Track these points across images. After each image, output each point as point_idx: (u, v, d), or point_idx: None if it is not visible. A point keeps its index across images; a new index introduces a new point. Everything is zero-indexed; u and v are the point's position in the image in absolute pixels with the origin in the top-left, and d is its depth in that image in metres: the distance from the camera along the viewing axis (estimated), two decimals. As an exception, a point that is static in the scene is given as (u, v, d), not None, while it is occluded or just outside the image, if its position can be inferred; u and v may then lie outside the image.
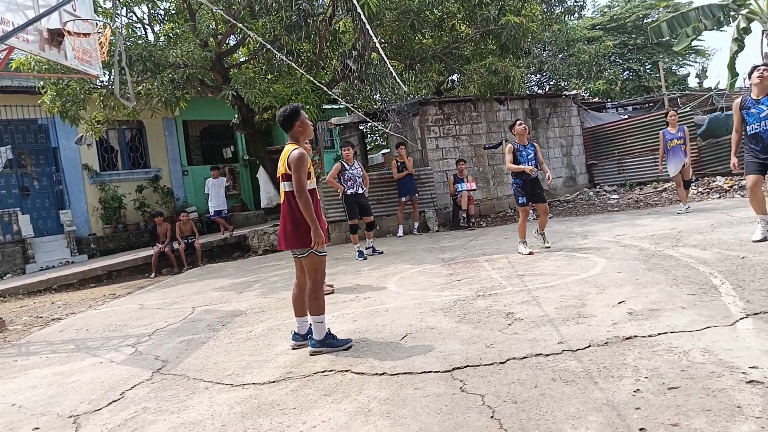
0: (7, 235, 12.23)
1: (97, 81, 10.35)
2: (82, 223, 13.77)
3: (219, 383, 3.60)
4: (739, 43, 14.49)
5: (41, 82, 10.55)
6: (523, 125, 7.22)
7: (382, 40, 12.28)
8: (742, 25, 14.28)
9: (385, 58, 9.07)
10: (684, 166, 9.15)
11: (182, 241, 11.00)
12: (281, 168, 4.01)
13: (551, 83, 18.00)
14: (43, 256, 12.50)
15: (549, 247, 7.14)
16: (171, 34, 11.93)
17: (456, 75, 15.76)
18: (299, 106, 4.09)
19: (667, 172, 9.69)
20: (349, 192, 8.82)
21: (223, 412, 3.08)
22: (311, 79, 9.47)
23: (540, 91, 17.81)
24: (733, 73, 14.87)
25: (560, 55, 16.60)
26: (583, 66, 16.17)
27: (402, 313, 4.74)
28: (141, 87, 10.85)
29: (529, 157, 7.09)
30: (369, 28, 7.71)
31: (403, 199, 11.25)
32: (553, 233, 8.70)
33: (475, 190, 11.72)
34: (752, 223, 7.02)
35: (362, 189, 8.90)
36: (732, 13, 14.17)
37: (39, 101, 10.80)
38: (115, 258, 12.13)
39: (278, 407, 3.05)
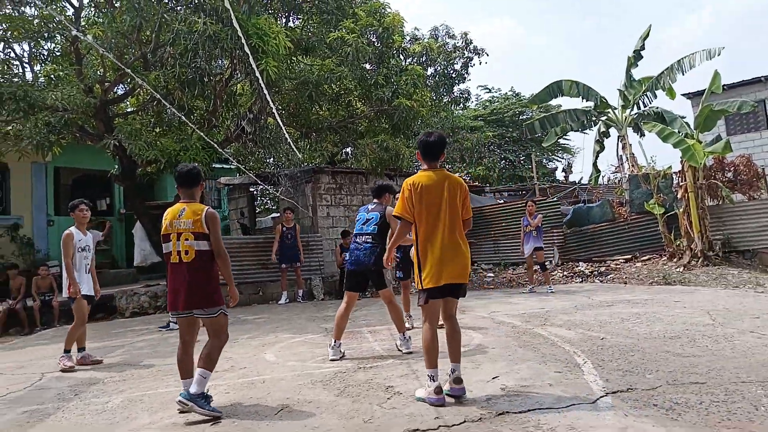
0: None
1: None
2: None
3: (63, 463, 3.17)
4: (600, 144, 16.45)
5: None
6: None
7: (280, 107, 12.45)
8: (602, 129, 16.28)
9: (281, 124, 9.18)
10: (536, 250, 10.23)
11: (38, 298, 9.88)
12: (191, 226, 3.94)
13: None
14: None
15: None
16: (53, 76, 11.21)
17: (350, 147, 16.26)
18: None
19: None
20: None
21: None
22: (203, 135, 9.28)
23: (427, 171, 18.77)
24: (597, 170, 16.73)
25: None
26: (466, 152, 17.42)
27: (279, 384, 4.54)
28: (10, 127, 9.97)
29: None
30: (266, 94, 7.80)
31: (283, 265, 11.04)
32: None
33: (361, 260, 11.83)
34: (610, 306, 7.73)
35: None
36: (594, 119, 16.14)
37: None
38: (-50, 313, 10.54)
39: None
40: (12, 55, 11.00)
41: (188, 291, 3.89)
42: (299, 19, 12.65)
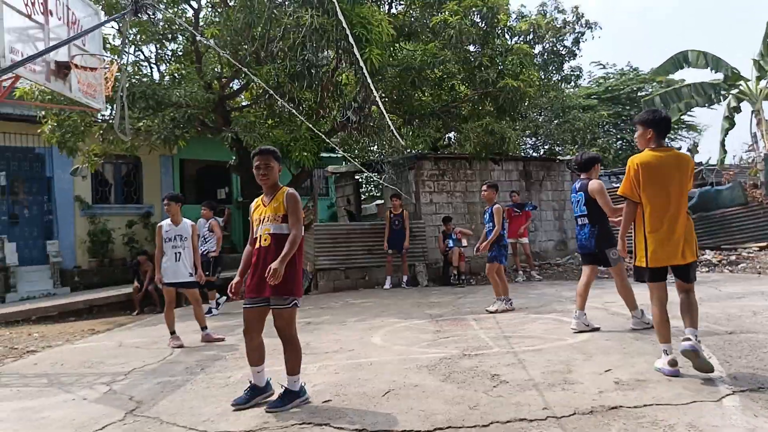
0: (-10, 262, 12.04)
1: (99, 115, 10.47)
2: (68, 255, 13.59)
3: (193, 429, 3.48)
4: (730, 120, 14.95)
5: (42, 112, 10.65)
6: (486, 192, 7.60)
7: (383, 95, 12.58)
8: (733, 104, 14.78)
9: (384, 112, 9.27)
10: None
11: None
12: (276, 209, 3.82)
13: (546, 147, 18.37)
14: (25, 286, 12.26)
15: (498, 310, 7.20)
16: (176, 75, 12.18)
17: (453, 133, 16.10)
18: (259, 150, 3.96)
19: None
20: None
21: (194, 462, 2.95)
22: (311, 126, 9.62)
23: (534, 154, 18.17)
24: (724, 149, 15.28)
25: (555, 121, 17.03)
26: (578, 133, 16.55)
27: (386, 368, 4.64)
28: (141, 123, 10.98)
29: (486, 220, 7.64)
30: (370, 82, 7.91)
31: (390, 251, 11.23)
32: (542, 296, 8.68)
33: (466, 246, 11.74)
34: (741, 298, 7.06)
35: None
36: (723, 92, 14.69)
37: (38, 130, 10.87)
38: (98, 293, 11.92)
39: (252, 460, 2.93)
40: (141, 57, 12.09)
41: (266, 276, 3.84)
42: (402, 4, 12.67)
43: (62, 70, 6.45)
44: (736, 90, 14.52)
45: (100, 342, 7.31)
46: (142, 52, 12.13)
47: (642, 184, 3.94)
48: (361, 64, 7.81)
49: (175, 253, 6.60)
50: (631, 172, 3.98)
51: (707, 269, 10.84)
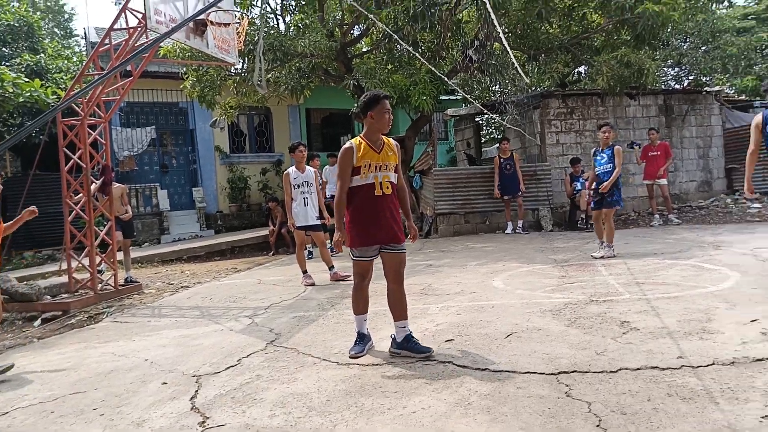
0: (147, 208, 13.62)
1: (232, 69, 11.13)
2: (212, 201, 14.97)
3: (326, 360, 3.77)
4: None
5: (184, 69, 11.54)
6: (607, 133, 7.21)
7: (506, 30, 11.97)
8: None
9: (508, 48, 8.85)
10: None
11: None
12: (392, 158, 3.80)
13: (690, 78, 16.49)
14: (177, 229, 13.77)
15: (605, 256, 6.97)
16: (300, 25, 12.50)
17: (583, 67, 14.99)
18: (382, 94, 3.82)
19: None
20: None
21: (329, 388, 3.22)
22: (432, 68, 9.48)
23: (677, 87, 16.39)
24: None
25: (703, 48, 15.17)
26: (730, 60, 14.65)
27: (508, 311, 4.64)
28: (270, 75, 11.51)
29: (602, 162, 7.20)
30: (494, 18, 7.56)
31: (505, 197, 10.94)
32: (681, 241, 8.06)
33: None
34: None
35: None
36: None
37: (181, 86, 11.84)
38: (238, 234, 13.07)
39: (380, 389, 3.13)
40: (268, 9, 12.53)
41: (394, 222, 3.78)
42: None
43: (200, 27, 6.91)
44: None
45: (242, 279, 8.07)
46: (268, 4, 12.56)
47: None
48: (484, -1, 7.46)
49: (304, 198, 7.00)
50: None
51: None
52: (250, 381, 3.47)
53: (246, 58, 10.88)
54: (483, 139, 18.16)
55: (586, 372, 3.11)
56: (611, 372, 3.08)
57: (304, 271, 6.96)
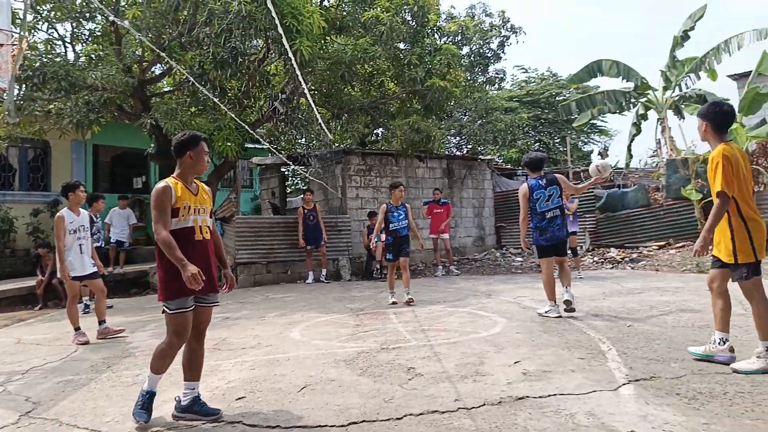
0: None
1: (4, 95, 9.69)
2: (-33, 243, 12.53)
3: (95, 430, 3.32)
4: (637, 127, 16.00)
5: (-64, 88, 9.70)
6: (401, 191, 7.89)
7: (312, 87, 12.47)
8: (641, 111, 15.82)
9: (313, 105, 9.18)
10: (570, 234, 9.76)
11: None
12: (207, 201, 3.65)
13: (469, 147, 18.90)
14: None
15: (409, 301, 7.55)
16: (93, 56, 11.46)
17: (381, 129, 16.22)
18: (201, 135, 3.68)
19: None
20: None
21: (96, 463, 2.82)
22: (234, 117, 9.38)
23: (458, 153, 18.66)
24: (630, 154, 16.32)
25: (479, 121, 17.53)
26: (499, 134, 17.13)
27: (304, 363, 4.63)
28: (52, 106, 10.26)
29: (399, 218, 7.80)
30: (299, 74, 7.81)
31: (308, 247, 11.16)
32: (459, 290, 8.94)
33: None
34: (640, 293, 7.59)
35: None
36: (633, 101, 15.68)
37: (-69, 107, 9.90)
38: (-4, 285, 11.05)
39: (158, 459, 2.84)
40: (55, 35, 11.28)
41: (210, 270, 3.56)
42: (334, -3, 12.58)
43: (-41, 43, 5.93)
44: (645, 99, 15.56)
45: (-4, 338, 6.80)
46: (56, 30, 11.32)
47: (733, 178, 3.87)
48: (290, 54, 7.69)
49: (80, 245, 6.26)
50: (724, 165, 3.83)
51: (611, 266, 11.57)
52: (-7, 464, 2.89)
53: (24, 85, 9.58)
54: (288, 189, 18.35)
55: (374, 421, 3.21)
56: (397, 419, 3.23)
57: (77, 328, 6.13)
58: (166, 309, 3.41)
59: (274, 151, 12.81)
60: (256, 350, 5.23)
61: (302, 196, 13.27)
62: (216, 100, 8.86)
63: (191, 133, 3.66)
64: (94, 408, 3.75)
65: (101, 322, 6.31)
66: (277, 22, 7.10)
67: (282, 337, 5.80)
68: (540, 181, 6.36)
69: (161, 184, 3.50)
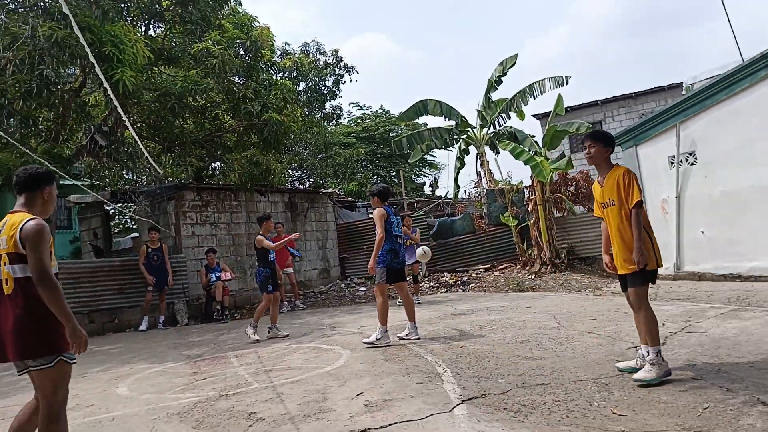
0: None
1: None
2: None
3: None
4: (461, 161, 17.45)
5: None
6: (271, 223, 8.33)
7: (139, 119, 11.69)
8: (463, 146, 17.29)
9: (137, 138, 8.61)
10: (414, 263, 10.32)
11: None
12: (5, 245, 2.97)
13: (311, 180, 19.10)
14: None
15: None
16: None
17: (218, 162, 15.71)
18: (54, 175, 3.31)
19: None
20: None
21: None
22: (41, 155, 8.42)
23: (300, 186, 18.75)
24: (457, 185, 17.70)
25: (319, 156, 17.86)
26: (339, 167, 17.60)
27: (132, 421, 4.21)
28: None
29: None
30: (118, 105, 7.30)
31: (150, 289, 10.37)
32: (305, 325, 8.88)
33: (230, 279, 11.43)
34: (470, 314, 8.18)
35: None
36: (455, 137, 17.10)
37: None
38: None
39: None
40: None
41: (16, 334, 2.92)
42: (161, 27, 12.02)
43: None
44: (465, 135, 17.07)
45: None
46: None
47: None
48: (106, 85, 7.15)
49: None
50: (636, 183, 4.23)
51: (445, 290, 12.35)
52: None
53: None
54: (116, 229, 16.83)
55: (212, 476, 3.02)
56: (236, 470, 3.07)
57: None
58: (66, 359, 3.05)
59: (90, 191, 11.71)
60: (75, 412, 4.62)
61: (132, 236, 12.28)
62: (13, 139, 7.85)
63: (47, 170, 3.25)
64: None
65: None
66: (87, 50, 6.56)
67: (106, 394, 5.22)
68: (390, 209, 6.72)
69: (38, 222, 2.99)
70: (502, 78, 16.25)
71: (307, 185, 18.85)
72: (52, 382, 2.98)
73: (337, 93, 17.40)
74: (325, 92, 17.19)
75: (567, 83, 14.68)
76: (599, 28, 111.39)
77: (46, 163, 8.95)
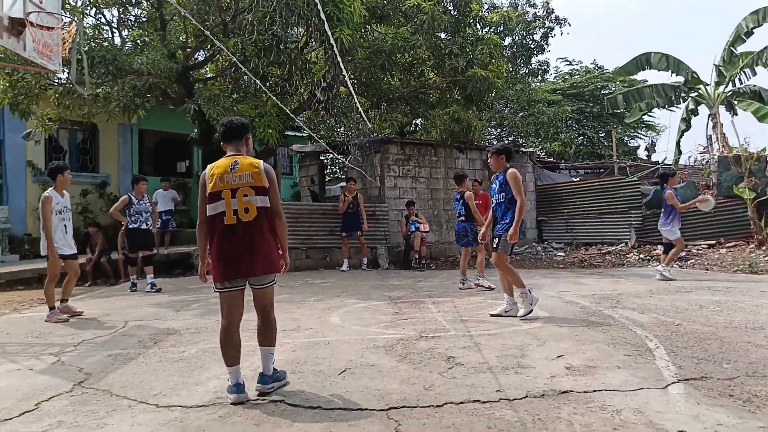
0: (-67, 226, 11.46)
1: (55, 77, 10.01)
2: (18, 222, 13.04)
3: (143, 402, 3.40)
4: (687, 122, 15.46)
5: (-6, 71, 10.10)
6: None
7: (352, 76, 12.45)
8: (691, 106, 15.28)
9: (353, 93, 9.19)
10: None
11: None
12: (251, 179, 3.42)
13: (510, 139, 18.59)
14: (-30, 252, 11.74)
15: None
16: (139, 41, 11.73)
17: (420, 119, 16.13)
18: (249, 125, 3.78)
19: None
20: (131, 227, 8.64)
21: (144, 434, 2.90)
22: (278, 103, 9.45)
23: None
24: (679, 150, 15.80)
25: (521, 113, 17.23)
26: (542, 126, 16.80)
27: (343, 347, 4.65)
28: (100, 90, 10.55)
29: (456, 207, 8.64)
30: (340, 62, 7.81)
31: (344, 234, 11.20)
32: (499, 283, 8.82)
33: (428, 231, 11.83)
34: (688, 292, 7.34)
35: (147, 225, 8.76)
36: (683, 95, 15.14)
37: (-12, 89, 10.31)
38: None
39: (204, 433, 2.90)
40: (102, 20, 11.58)
41: (252, 256, 3.41)
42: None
43: (16, 26, 6.11)
44: (695, 93, 15.00)
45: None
46: (104, 16, 11.62)
47: None
48: (332, 42, 7.69)
49: (64, 225, 6.39)
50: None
51: (657, 263, 11.21)
52: (49, 428, 3.00)
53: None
54: (327, 177, 18.45)
55: (415, 407, 3.20)
56: (437, 406, 3.20)
57: (51, 307, 6.25)
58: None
59: (315, 137, 12.87)
60: (296, 333, 5.28)
61: (341, 184, 13.34)
62: (260, 84, 8.93)
63: (247, 121, 3.79)
64: (141, 381, 3.85)
65: (64, 300, 6.46)
66: (319, 9, 7.10)
67: (321, 321, 5.84)
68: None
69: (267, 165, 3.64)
70: (755, 29, 13.75)
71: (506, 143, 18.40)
72: (271, 295, 3.64)
73: (545, 47, 16.50)
74: (532, 47, 16.43)
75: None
76: None
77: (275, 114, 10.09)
